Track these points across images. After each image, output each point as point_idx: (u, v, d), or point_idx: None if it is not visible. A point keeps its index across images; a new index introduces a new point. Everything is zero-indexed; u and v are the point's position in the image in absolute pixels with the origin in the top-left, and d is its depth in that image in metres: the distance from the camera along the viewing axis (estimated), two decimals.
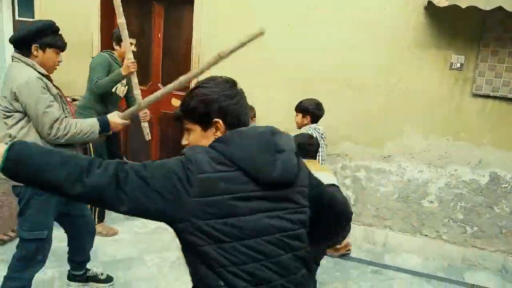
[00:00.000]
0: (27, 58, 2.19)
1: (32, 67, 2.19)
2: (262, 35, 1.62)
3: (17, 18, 4.63)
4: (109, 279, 2.88)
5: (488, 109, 3.28)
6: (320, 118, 3.09)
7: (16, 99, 2.13)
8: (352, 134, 3.61)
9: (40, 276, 2.87)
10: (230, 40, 3.45)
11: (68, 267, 2.82)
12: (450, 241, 3.55)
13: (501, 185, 3.35)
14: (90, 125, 2.28)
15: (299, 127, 3.08)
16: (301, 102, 3.10)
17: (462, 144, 3.39)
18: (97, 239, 3.39)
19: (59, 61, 2.36)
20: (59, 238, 3.41)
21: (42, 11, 4.22)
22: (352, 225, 3.72)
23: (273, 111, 3.70)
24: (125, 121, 2.34)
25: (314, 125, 3.04)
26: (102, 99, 3.34)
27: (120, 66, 3.63)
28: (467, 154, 3.39)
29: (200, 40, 3.84)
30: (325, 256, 3.50)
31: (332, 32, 3.50)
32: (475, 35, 3.20)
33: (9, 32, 4.65)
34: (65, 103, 2.36)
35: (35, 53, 2.19)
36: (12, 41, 2.21)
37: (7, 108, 2.16)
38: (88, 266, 2.86)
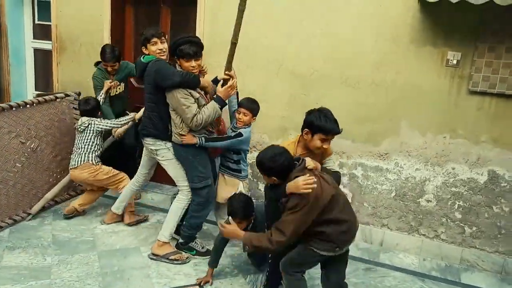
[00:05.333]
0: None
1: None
2: None
3: (36, 22, 4.90)
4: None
5: (485, 106, 3.20)
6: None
7: None
8: (349, 132, 3.60)
9: (40, 262, 3.06)
10: (231, 38, 3.50)
11: None
12: (448, 241, 3.47)
13: (500, 184, 3.26)
14: (212, 107, 2.94)
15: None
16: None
17: (459, 142, 3.32)
18: (98, 230, 3.56)
19: (192, 66, 3.00)
20: (61, 228, 3.61)
21: (58, 15, 4.46)
22: None
23: (273, 106, 3.78)
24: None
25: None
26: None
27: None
28: (465, 152, 3.32)
29: (203, 39, 3.94)
30: None
31: (329, 29, 3.52)
32: (472, 31, 3.14)
33: (29, 34, 4.94)
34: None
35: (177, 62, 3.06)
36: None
37: None
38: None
